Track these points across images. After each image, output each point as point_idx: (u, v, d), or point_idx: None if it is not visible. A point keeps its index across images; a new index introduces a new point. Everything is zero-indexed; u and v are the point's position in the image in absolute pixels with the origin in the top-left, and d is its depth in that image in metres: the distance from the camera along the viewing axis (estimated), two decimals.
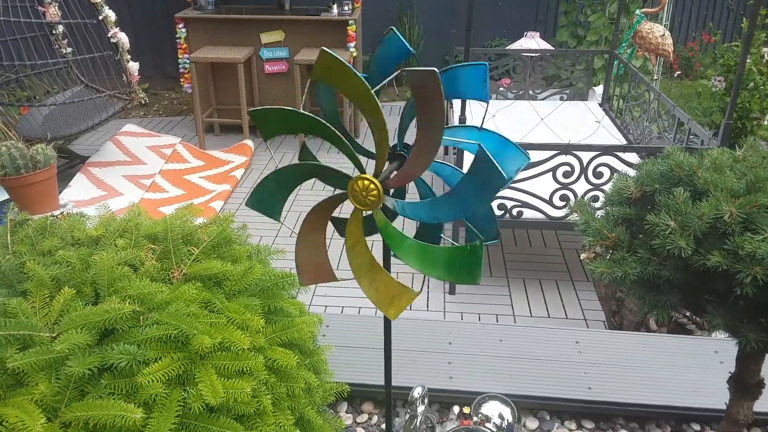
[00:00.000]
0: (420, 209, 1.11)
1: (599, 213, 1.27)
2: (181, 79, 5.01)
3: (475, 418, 1.79)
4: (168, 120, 5.79)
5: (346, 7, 4.94)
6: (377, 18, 6.15)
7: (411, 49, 1.16)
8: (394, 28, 1.19)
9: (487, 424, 1.79)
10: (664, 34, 4.25)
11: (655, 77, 4.99)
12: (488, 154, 0.95)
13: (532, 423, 1.94)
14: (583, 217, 1.21)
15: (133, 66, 3.92)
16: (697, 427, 1.92)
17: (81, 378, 1.13)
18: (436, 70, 0.97)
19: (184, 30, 4.92)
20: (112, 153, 4.73)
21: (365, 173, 1.12)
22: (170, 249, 1.49)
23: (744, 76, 4.32)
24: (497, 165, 0.94)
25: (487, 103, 1.15)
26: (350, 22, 4.82)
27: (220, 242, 1.58)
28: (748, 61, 4.28)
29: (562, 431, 1.91)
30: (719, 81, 4.42)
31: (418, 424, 1.76)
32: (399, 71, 1.15)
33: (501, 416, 1.80)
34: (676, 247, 1.01)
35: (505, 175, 0.95)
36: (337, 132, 1.11)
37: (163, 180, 4.57)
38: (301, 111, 1.10)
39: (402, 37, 1.18)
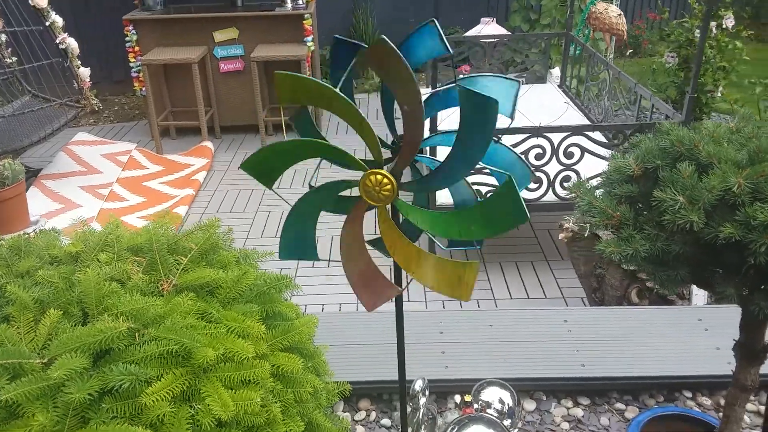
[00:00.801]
0: (436, 177, 1.08)
1: (598, 192, 1.27)
2: (135, 83, 4.84)
3: (476, 405, 1.79)
4: (120, 126, 5.60)
5: (300, 1, 4.86)
6: (331, 11, 6.08)
7: (449, 48, 1.11)
8: (435, 20, 1.13)
9: (488, 410, 1.79)
10: (618, 14, 4.33)
11: (609, 56, 5.08)
12: (468, 88, 0.93)
13: (529, 404, 1.95)
14: (585, 198, 1.21)
15: (84, 72, 3.76)
16: (688, 393, 1.96)
17: (81, 404, 1.07)
18: (384, 37, 0.95)
19: (134, 32, 4.75)
20: (66, 164, 4.55)
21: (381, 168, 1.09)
22: (156, 260, 1.42)
23: (694, 51, 4.43)
24: (483, 94, 0.91)
25: (512, 120, 1.12)
26: (306, 16, 4.74)
27: (207, 249, 1.52)
28: (697, 35, 4.40)
29: (559, 410, 1.92)
30: (672, 57, 4.52)
31: (420, 416, 1.74)
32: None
33: (501, 401, 1.80)
34: (688, 222, 1.01)
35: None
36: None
37: (122, 188, 4.43)
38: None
39: (442, 33, 1.12)
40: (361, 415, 1.93)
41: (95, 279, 1.26)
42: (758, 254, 0.96)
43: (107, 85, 6.20)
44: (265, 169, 1.15)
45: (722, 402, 1.91)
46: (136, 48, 4.81)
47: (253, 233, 3.82)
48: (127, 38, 4.79)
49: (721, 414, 1.86)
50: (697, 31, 4.42)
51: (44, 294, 1.26)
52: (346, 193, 1.24)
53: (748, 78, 4.56)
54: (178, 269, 1.43)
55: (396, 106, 1.13)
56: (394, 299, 1.28)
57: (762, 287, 1.03)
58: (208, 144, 4.96)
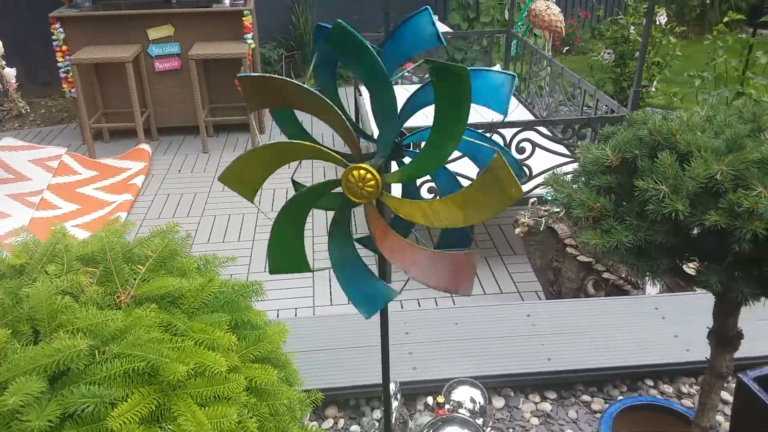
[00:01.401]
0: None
1: (573, 185, 1.26)
2: (64, 84, 4.58)
3: (447, 406, 1.76)
4: (48, 130, 5.29)
5: None
6: (269, 7, 5.95)
7: (443, 41, 1.06)
8: (429, 7, 1.08)
9: (460, 410, 1.76)
10: (558, 12, 4.42)
11: (548, 53, 5.19)
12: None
13: (498, 401, 1.94)
14: (563, 190, 1.19)
15: (10, 72, 3.52)
16: (650, 382, 1.99)
17: None
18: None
19: (61, 31, 4.49)
20: None
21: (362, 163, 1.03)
22: (111, 270, 1.32)
23: (630, 47, 4.59)
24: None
25: (505, 116, 1.09)
26: (245, 12, 4.61)
27: (166, 256, 1.42)
28: (632, 31, 4.55)
29: (528, 405, 1.92)
30: (608, 53, 4.66)
31: (393, 421, 1.70)
32: (422, 61, 1.07)
33: (473, 400, 1.78)
34: (673, 211, 1.01)
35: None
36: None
37: (54, 195, 4.18)
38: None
39: (435, 22, 1.07)
40: (328, 423, 1.87)
41: (46, 293, 1.15)
42: (743, 241, 0.97)
43: (31, 87, 5.85)
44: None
45: (683, 389, 1.96)
46: (64, 47, 4.55)
47: (199, 239, 3.67)
48: (53, 37, 4.52)
49: (683, 401, 1.91)
50: (632, 28, 4.57)
51: None
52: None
53: (679, 73, 4.75)
54: (135, 279, 1.33)
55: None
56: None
57: (743, 274, 1.04)
58: (145, 147, 4.75)
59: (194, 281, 1.32)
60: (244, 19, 4.65)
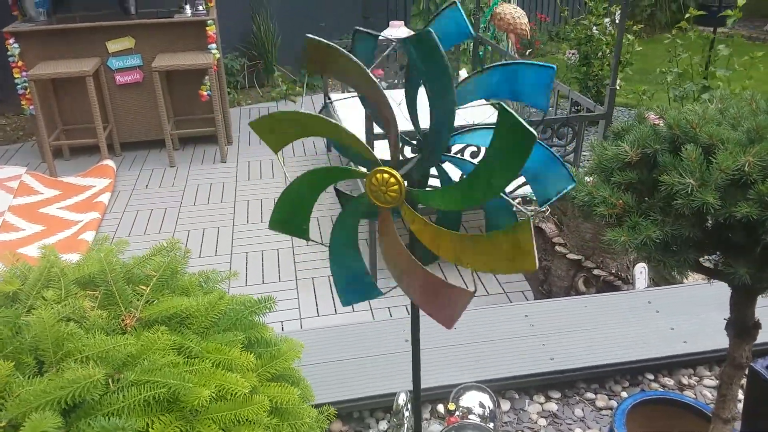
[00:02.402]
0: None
1: (586, 180, 1.25)
2: (23, 101, 4.39)
3: (457, 413, 1.73)
4: (4, 149, 5.07)
5: (200, 7, 4.62)
6: (228, 17, 5.85)
7: (472, 31, 1.04)
8: (457, 2, 1.06)
9: (470, 416, 1.74)
10: (521, 14, 4.47)
11: (514, 55, 5.24)
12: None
13: (504, 404, 1.92)
14: (582, 189, 1.18)
15: None
16: (650, 376, 2.01)
17: None
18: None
19: (16, 46, 4.30)
20: None
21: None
22: (114, 292, 1.25)
23: (593, 47, 4.67)
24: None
25: (545, 113, 1.07)
26: (209, 22, 4.52)
27: (167, 275, 1.36)
28: (595, 31, 4.63)
29: (534, 406, 1.91)
30: (573, 54, 4.73)
31: (405, 431, 1.66)
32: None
33: (482, 405, 1.76)
34: (703, 204, 1.00)
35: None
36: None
37: (15, 217, 3.99)
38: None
39: (464, 16, 1.05)
40: None
41: (50, 321, 1.07)
42: None
43: None
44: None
45: (683, 381, 1.98)
46: (20, 63, 4.37)
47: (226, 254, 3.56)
48: (9, 53, 4.33)
49: (686, 392, 1.92)
50: (595, 28, 4.66)
51: None
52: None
53: (639, 72, 4.86)
54: (139, 301, 1.26)
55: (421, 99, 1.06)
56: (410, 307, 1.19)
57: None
58: (109, 162, 4.59)
59: (202, 300, 1.27)
60: (207, 28, 4.56)
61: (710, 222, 1.10)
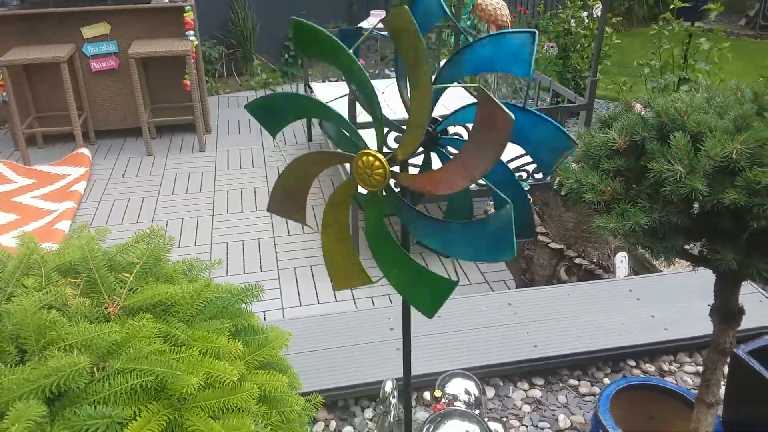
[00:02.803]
0: (427, 232, 1.01)
1: (573, 168, 1.25)
2: None
3: (443, 400, 1.74)
4: None
5: None
6: (206, 4, 5.75)
7: (447, 11, 1.03)
8: None
9: (456, 403, 1.74)
10: (502, 5, 4.47)
11: None
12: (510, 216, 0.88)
13: (488, 391, 1.93)
14: (571, 176, 1.18)
15: None
16: (632, 362, 2.04)
17: None
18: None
19: None
20: None
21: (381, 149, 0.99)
22: (96, 279, 1.22)
23: (572, 40, 4.70)
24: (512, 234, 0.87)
25: (530, 78, 1.06)
26: (187, 8, 4.44)
27: (150, 263, 1.33)
28: (572, 24, 4.66)
29: (518, 393, 1.92)
30: (551, 46, 4.76)
31: (392, 419, 1.66)
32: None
33: (467, 391, 1.76)
34: (691, 190, 1.01)
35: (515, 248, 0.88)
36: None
37: None
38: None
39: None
40: (320, 426, 1.81)
41: (32, 308, 1.05)
42: (762, 217, 0.98)
43: None
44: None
45: (664, 367, 2.01)
46: None
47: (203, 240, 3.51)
48: None
49: (667, 378, 1.95)
50: (572, 20, 4.69)
51: None
52: None
53: (617, 64, 4.90)
54: (122, 288, 1.24)
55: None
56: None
57: (758, 251, 1.06)
58: (85, 151, 4.50)
59: (188, 287, 1.24)
60: (185, 15, 4.48)
61: (696, 209, 1.11)
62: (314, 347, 1.98)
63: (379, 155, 1.02)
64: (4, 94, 4.19)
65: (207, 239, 3.52)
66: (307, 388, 1.74)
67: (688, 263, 1.24)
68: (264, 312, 2.86)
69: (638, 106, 1.31)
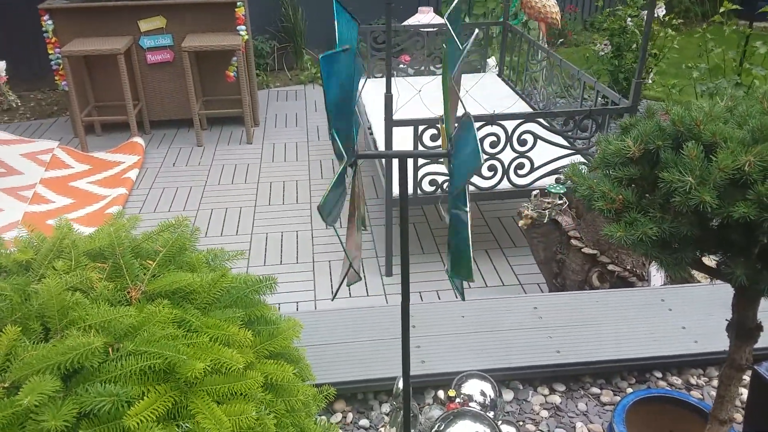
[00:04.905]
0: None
1: (590, 176, 1.24)
2: (56, 77, 4.50)
3: (458, 399, 1.74)
4: (39, 123, 5.21)
5: None
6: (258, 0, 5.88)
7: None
8: None
9: (471, 403, 1.75)
10: (553, 3, 4.40)
11: (543, 44, 5.17)
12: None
13: (507, 394, 1.93)
14: (583, 182, 1.17)
15: (0, 65, 3.44)
16: (658, 374, 1.99)
17: None
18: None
19: (50, 22, 4.41)
20: None
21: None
22: (121, 265, 1.29)
23: (627, 39, 4.58)
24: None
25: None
26: (239, 3, 4.55)
27: (175, 251, 1.39)
28: (629, 23, 4.54)
29: (537, 398, 1.91)
30: (606, 45, 4.65)
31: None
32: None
33: (483, 393, 1.77)
34: (700, 202, 0.99)
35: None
36: None
37: (47, 189, 4.11)
38: None
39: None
40: (337, 417, 1.85)
41: (56, 289, 1.12)
42: None
43: (20, 80, 5.75)
44: None
45: (692, 381, 1.96)
46: (54, 39, 4.47)
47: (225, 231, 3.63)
48: (43, 29, 4.44)
49: (693, 392, 1.90)
50: (629, 19, 4.56)
51: None
52: None
53: (674, 65, 4.74)
54: (145, 275, 1.30)
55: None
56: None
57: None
58: (138, 140, 4.69)
59: (206, 276, 1.30)
60: (237, 10, 4.60)
61: (715, 222, 1.09)
62: (341, 339, 2.02)
63: None
64: (65, 83, 4.40)
65: (248, 229, 3.61)
66: (329, 379, 1.79)
67: (705, 275, 1.21)
68: (297, 303, 2.93)
69: (661, 113, 1.29)
